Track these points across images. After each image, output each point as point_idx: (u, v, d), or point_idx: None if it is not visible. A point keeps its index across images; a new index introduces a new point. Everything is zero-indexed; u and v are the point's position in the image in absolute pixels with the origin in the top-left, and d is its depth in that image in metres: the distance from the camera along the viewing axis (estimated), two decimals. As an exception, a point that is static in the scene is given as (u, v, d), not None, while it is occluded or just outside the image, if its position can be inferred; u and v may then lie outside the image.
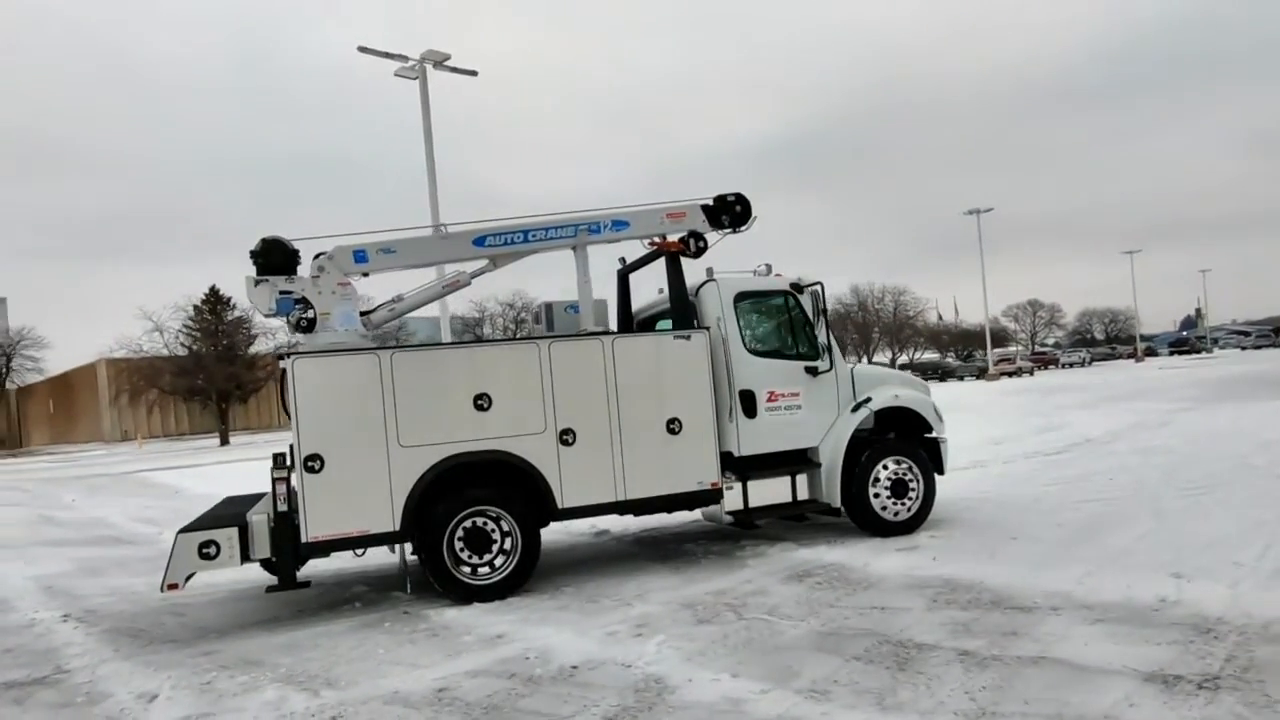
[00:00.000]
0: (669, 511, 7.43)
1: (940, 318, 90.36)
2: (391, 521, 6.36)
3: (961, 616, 5.32)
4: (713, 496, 7.43)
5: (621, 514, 7.43)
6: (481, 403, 6.64)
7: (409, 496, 6.40)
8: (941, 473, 8.38)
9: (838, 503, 7.81)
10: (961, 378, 60.02)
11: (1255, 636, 4.59)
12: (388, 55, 19.75)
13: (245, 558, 6.15)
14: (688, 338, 7.37)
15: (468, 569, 6.59)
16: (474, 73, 21.38)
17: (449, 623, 6.05)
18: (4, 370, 58.53)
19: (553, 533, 8.88)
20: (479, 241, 7.08)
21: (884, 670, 4.52)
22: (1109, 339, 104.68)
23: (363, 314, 6.81)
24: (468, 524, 6.59)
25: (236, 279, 6.82)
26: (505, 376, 6.76)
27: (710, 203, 7.96)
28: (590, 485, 6.93)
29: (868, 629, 5.21)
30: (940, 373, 60.39)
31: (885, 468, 7.93)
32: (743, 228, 8.13)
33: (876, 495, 7.88)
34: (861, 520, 7.91)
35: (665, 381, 7.23)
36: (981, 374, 56.39)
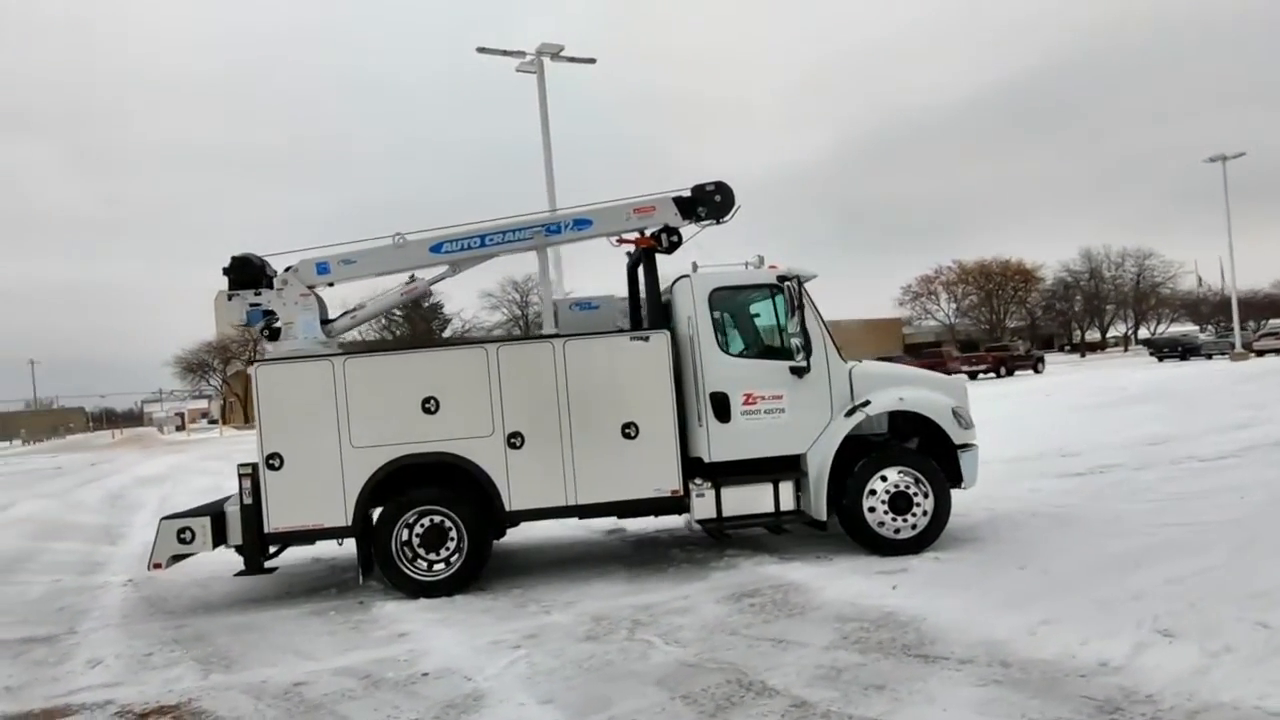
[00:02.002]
0: (627, 516, 7.39)
1: (1201, 282, 78.11)
2: (345, 517, 6.91)
3: (847, 660, 4.85)
4: (673, 504, 7.27)
5: (581, 518, 7.51)
6: (429, 406, 6.98)
7: (360, 495, 6.92)
8: (960, 486, 7.55)
9: (822, 515, 7.29)
10: (1209, 355, 51.95)
11: (1163, 724, 3.79)
12: (505, 53, 20.70)
13: (218, 544, 7.00)
14: (646, 338, 7.22)
15: (421, 564, 7.01)
16: (592, 60, 21.82)
17: (377, 616, 6.50)
18: (253, 353, 69.00)
19: (568, 528, 9.17)
20: (436, 249, 7.39)
21: (696, 712, 4.27)
22: None
23: (326, 323, 7.40)
24: (423, 522, 6.99)
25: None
26: (453, 380, 7.05)
27: (687, 193, 7.68)
28: (539, 489, 7.05)
29: (734, 664, 4.90)
30: (1181, 350, 52.67)
31: (883, 479, 7.27)
32: (725, 218, 7.77)
33: (872, 509, 7.25)
34: (857, 536, 7.33)
35: (621, 384, 7.15)
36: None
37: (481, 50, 20.62)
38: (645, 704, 4.42)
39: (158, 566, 6.93)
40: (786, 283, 7.16)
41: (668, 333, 7.24)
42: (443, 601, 6.76)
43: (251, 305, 7.08)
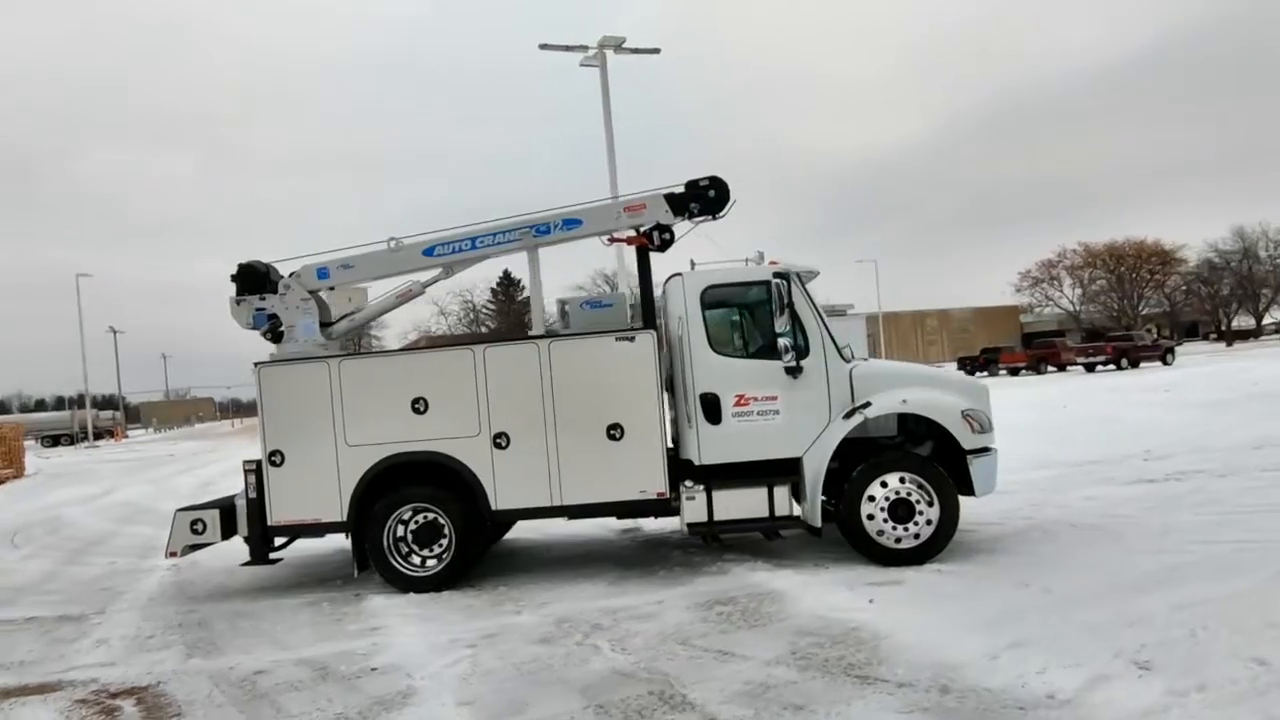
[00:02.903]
0: (615, 517, 7.41)
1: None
2: (340, 512, 7.26)
3: (782, 677, 4.71)
4: (659, 506, 7.24)
5: (570, 518, 7.59)
6: (419, 406, 7.23)
7: (354, 491, 7.25)
8: (972, 493, 7.16)
9: (816, 522, 7.08)
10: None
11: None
12: (567, 48, 20.96)
13: (227, 535, 7.50)
14: (631, 339, 7.20)
15: (415, 560, 7.28)
16: (656, 50, 21.79)
17: (363, 610, 6.80)
18: (358, 345, 72.84)
19: (582, 527, 9.28)
20: (428, 252, 7.61)
21: (601, 725, 4.28)
22: None
23: (327, 325, 7.77)
24: (418, 519, 7.26)
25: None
26: (442, 381, 7.26)
27: (680, 189, 7.59)
28: (525, 488, 7.18)
29: (666, 675, 4.85)
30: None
31: (883, 485, 6.99)
32: (720, 214, 7.64)
33: (870, 517, 6.99)
34: (856, 545, 7.07)
35: (606, 385, 7.16)
36: None
37: (544, 47, 20.96)
38: (558, 711, 4.46)
39: (173, 555, 7.51)
40: (774, 281, 6.97)
41: (653, 333, 7.19)
42: (429, 597, 7.00)
43: (257, 309, 7.53)
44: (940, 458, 7.35)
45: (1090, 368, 38.57)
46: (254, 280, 7.55)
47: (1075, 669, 4.47)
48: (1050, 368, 41.06)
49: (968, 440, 7.07)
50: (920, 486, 6.97)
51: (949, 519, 6.97)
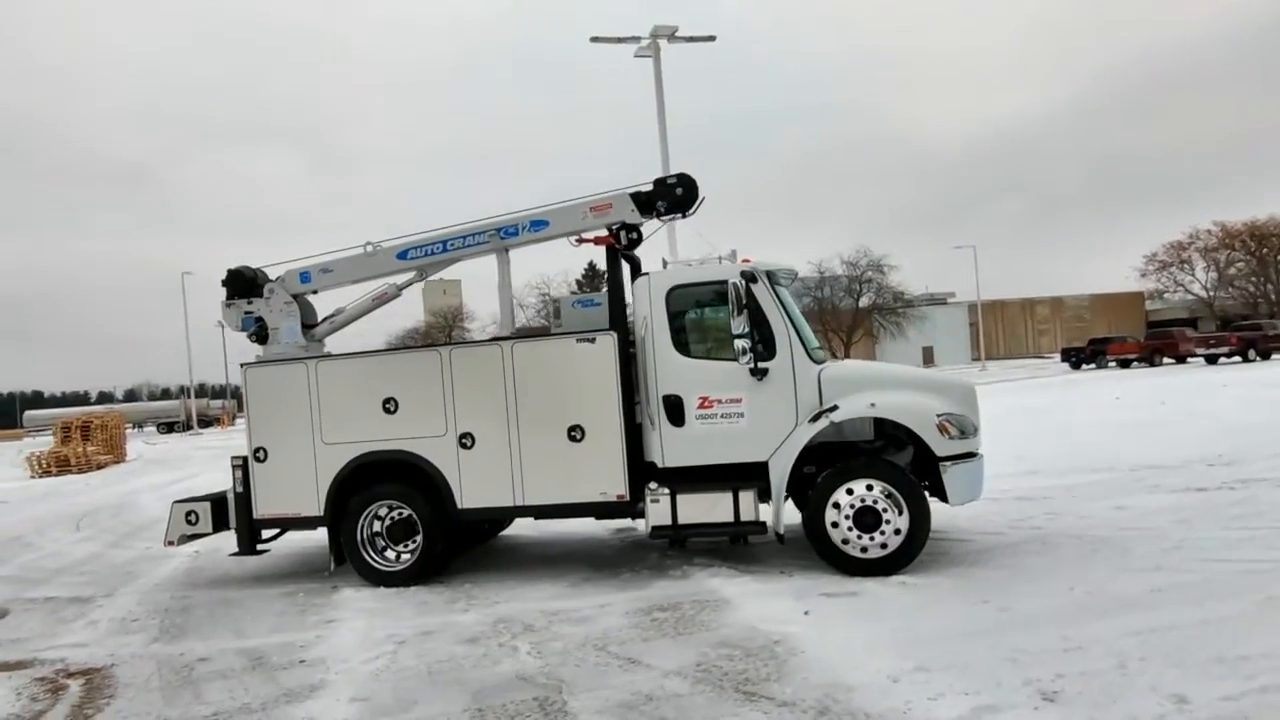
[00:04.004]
0: (575, 517, 7.51)
1: None
2: (318, 507, 7.67)
3: (670, 689, 4.68)
4: (621, 508, 7.29)
5: (537, 518, 7.74)
6: (389, 406, 7.53)
7: (330, 487, 7.63)
8: (947, 501, 6.88)
9: (780, 528, 6.97)
10: None
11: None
12: (619, 40, 20.99)
13: (219, 527, 8.04)
14: (592, 340, 7.26)
15: (390, 555, 7.61)
16: (712, 38, 21.55)
17: (331, 601, 7.17)
18: (448, 337, 75.45)
19: (581, 525, 9.43)
20: (402, 255, 7.88)
21: (472, 728, 4.41)
22: None
23: (310, 327, 8.17)
24: (393, 515, 7.59)
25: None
26: (410, 382, 7.53)
27: (648, 188, 7.57)
28: (489, 488, 7.37)
29: (561, 682, 4.91)
30: None
31: (849, 492, 6.81)
32: (688, 212, 7.58)
33: (835, 525, 6.81)
34: (823, 554, 6.91)
35: (567, 387, 7.25)
36: None
37: (595, 40, 21.08)
38: (441, 711, 4.60)
39: (171, 544, 8.12)
40: (730, 281, 6.88)
41: (613, 334, 7.23)
42: (394, 592, 7.30)
43: (245, 313, 8.02)
44: (924, 464, 7.10)
45: (1212, 360, 35.74)
46: (243, 284, 8.04)
47: (970, 697, 4.28)
48: (1166, 360, 38.27)
49: (941, 446, 6.78)
50: (889, 494, 6.74)
51: (920, 529, 6.71)
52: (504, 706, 4.63)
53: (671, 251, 20.75)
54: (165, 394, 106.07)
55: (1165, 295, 69.90)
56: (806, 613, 5.85)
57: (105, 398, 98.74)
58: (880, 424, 7.25)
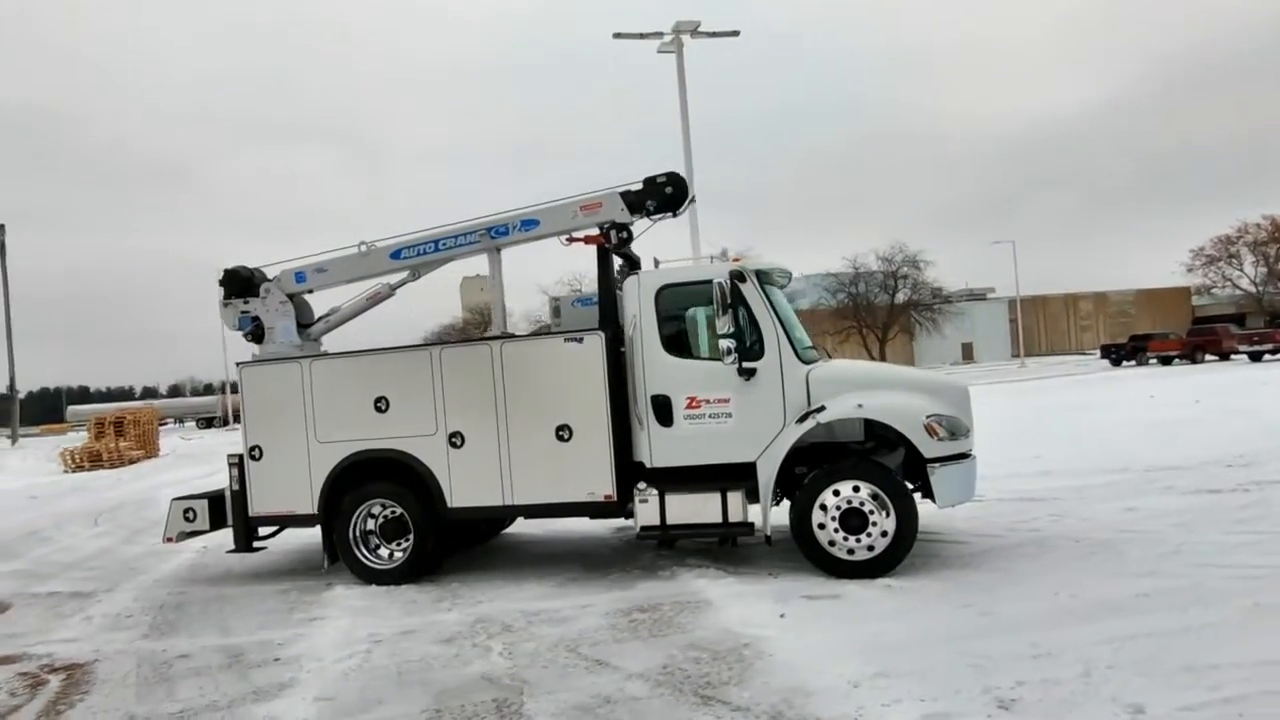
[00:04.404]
0: (563, 517, 7.53)
1: None
2: (312, 505, 7.79)
3: (631, 691, 4.68)
4: (609, 509, 7.29)
5: (526, 518, 7.77)
6: (381, 405, 7.62)
7: (323, 485, 7.75)
8: (936, 503, 6.77)
9: (766, 529, 6.93)
10: None
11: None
12: (642, 35, 20.95)
13: (216, 524, 8.21)
14: (580, 340, 7.27)
15: (383, 553, 7.71)
16: (735, 33, 21.42)
17: (321, 599, 7.28)
18: (484, 333, 75.93)
19: (583, 524, 9.42)
20: (395, 255, 7.96)
21: (427, 729, 4.45)
22: None
23: (306, 326, 8.30)
24: (386, 514, 7.68)
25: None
26: (402, 381, 7.61)
27: (638, 187, 7.56)
28: (478, 488, 7.42)
29: (525, 683, 4.92)
30: None
31: (835, 493, 6.74)
32: (678, 211, 7.56)
33: (822, 526, 6.75)
34: (810, 556, 6.83)
35: (555, 387, 7.27)
36: None
37: (618, 36, 21.07)
38: (400, 712, 4.65)
39: (169, 540, 8.31)
40: (715, 281, 6.84)
41: (601, 334, 7.23)
42: (383, 590, 7.39)
43: (242, 313, 8.17)
44: (916, 466, 7.00)
45: (1256, 356, 34.70)
46: (240, 284, 8.19)
47: (924, 704, 4.22)
48: (1209, 356, 37.22)
49: (929, 447, 6.68)
50: (875, 496, 6.66)
51: (907, 531, 6.62)
52: (462, 708, 4.67)
53: (694, 248, 20.78)
54: (208, 389, 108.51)
55: (1213, 290, 67.96)
56: (782, 616, 5.81)
57: (149, 393, 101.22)
58: (871, 425, 7.17)
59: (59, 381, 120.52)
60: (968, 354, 73.79)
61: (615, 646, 5.52)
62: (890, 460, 7.18)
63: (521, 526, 9.55)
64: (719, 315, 6.83)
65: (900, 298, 55.82)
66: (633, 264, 8.12)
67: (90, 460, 25.43)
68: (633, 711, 4.46)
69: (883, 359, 52.31)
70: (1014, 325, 64.32)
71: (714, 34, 21.44)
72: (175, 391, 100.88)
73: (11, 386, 39.84)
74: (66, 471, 24.71)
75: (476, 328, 68.53)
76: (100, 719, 4.88)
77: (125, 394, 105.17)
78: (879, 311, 55.39)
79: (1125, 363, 41.81)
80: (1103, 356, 45.97)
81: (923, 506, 6.91)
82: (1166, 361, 38.54)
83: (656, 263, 7.91)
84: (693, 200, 7.57)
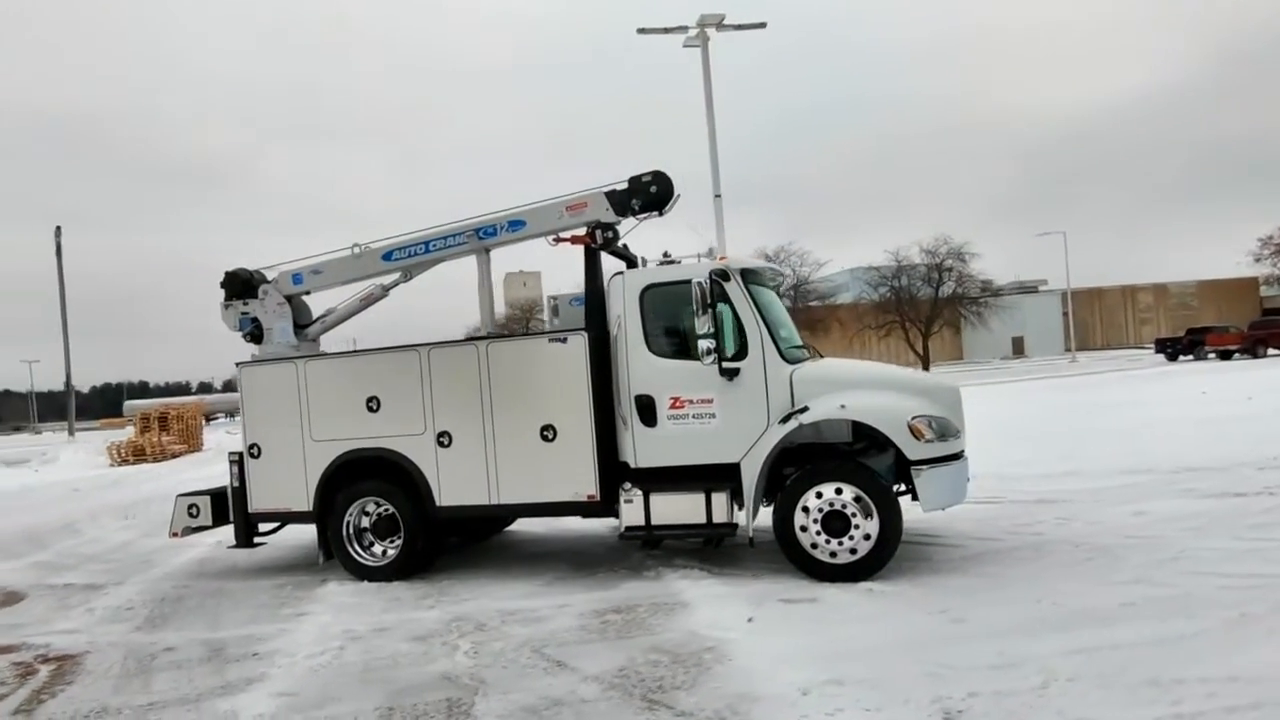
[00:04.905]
0: (548, 516, 7.57)
1: None
2: (308, 503, 7.98)
3: (582, 693, 4.69)
4: (593, 509, 7.32)
5: (517, 517, 7.84)
6: (372, 405, 7.77)
7: (318, 483, 7.93)
8: (921, 506, 6.65)
9: (749, 531, 6.88)
10: None
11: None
12: (666, 30, 20.84)
13: (219, 520, 8.46)
14: (564, 340, 7.30)
15: (376, 550, 7.87)
16: (762, 25, 21.18)
17: (312, 594, 7.46)
18: (526, 328, 76.60)
19: (584, 523, 9.47)
20: (387, 256, 8.09)
21: (376, 727, 4.54)
22: None
23: (303, 327, 8.48)
24: (379, 511, 7.84)
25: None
26: (392, 380, 7.74)
27: (623, 186, 7.55)
28: (465, 487, 7.52)
29: (483, 683, 4.97)
30: None
31: (818, 495, 6.67)
32: (664, 210, 7.54)
33: (804, 529, 6.68)
34: (793, 559, 6.78)
35: (540, 387, 7.31)
36: None
37: (642, 31, 21.01)
38: (354, 709, 4.73)
39: (175, 535, 8.59)
40: (695, 280, 6.80)
41: (585, 334, 7.26)
42: (374, 587, 7.54)
43: (242, 314, 8.40)
44: (905, 467, 6.89)
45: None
46: (240, 286, 8.41)
47: (869, 713, 4.16)
48: (1271, 351, 35.73)
49: (913, 449, 6.56)
50: (858, 499, 6.57)
51: (890, 534, 6.52)
52: (414, 707, 4.74)
53: (720, 244, 20.66)
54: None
55: (1283, 280, 65.11)
56: (750, 619, 5.77)
57: (204, 388, 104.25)
58: (860, 426, 7.06)
59: (121, 377, 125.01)
60: (1018, 348, 71.99)
61: (579, 648, 5.55)
62: (880, 462, 7.05)
63: (524, 524, 9.65)
64: (698, 315, 6.80)
65: (945, 291, 54.71)
66: (631, 264, 8.12)
67: (134, 454, 26.36)
68: (578, 714, 4.48)
69: (926, 354, 51.39)
70: (1067, 319, 62.61)
71: (740, 26, 21.22)
72: (229, 387, 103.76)
73: (68, 382, 41.51)
74: (112, 465, 25.66)
75: (518, 323, 69.24)
76: (75, 709, 5.07)
77: (182, 389, 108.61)
78: (922, 305, 54.37)
79: (1182, 357, 40.38)
80: (1157, 351, 44.45)
81: (920, 509, 6.79)
82: (1226, 356, 37.13)
83: (643, 262, 7.91)
84: (678, 198, 7.52)
